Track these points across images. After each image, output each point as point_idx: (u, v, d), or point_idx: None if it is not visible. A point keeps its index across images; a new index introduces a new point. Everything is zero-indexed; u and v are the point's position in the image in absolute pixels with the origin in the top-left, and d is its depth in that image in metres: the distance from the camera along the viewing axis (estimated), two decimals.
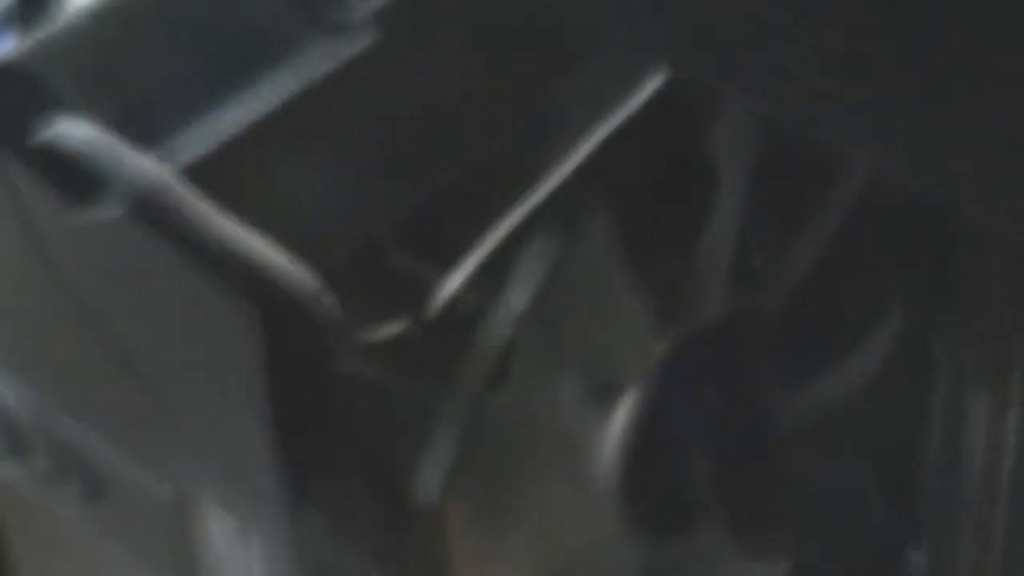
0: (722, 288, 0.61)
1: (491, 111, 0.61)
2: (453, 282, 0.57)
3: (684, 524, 0.63)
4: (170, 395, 0.61)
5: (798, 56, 0.47)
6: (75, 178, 0.59)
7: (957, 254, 0.63)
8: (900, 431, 0.68)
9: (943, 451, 0.66)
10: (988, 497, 0.66)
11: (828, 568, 0.69)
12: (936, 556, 0.68)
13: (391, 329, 0.57)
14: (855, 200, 0.62)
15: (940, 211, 0.59)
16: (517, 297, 0.57)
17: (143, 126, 0.60)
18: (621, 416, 0.60)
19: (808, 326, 0.63)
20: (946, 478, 0.66)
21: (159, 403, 0.61)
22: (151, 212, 0.58)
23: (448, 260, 0.58)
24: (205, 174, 0.59)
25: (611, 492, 0.60)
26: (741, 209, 0.61)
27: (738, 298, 0.62)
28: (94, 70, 0.62)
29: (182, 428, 0.61)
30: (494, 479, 0.59)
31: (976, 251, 0.62)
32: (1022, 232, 0.50)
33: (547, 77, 0.61)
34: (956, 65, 0.44)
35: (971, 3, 0.43)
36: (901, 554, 0.71)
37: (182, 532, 0.63)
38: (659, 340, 0.60)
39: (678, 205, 0.61)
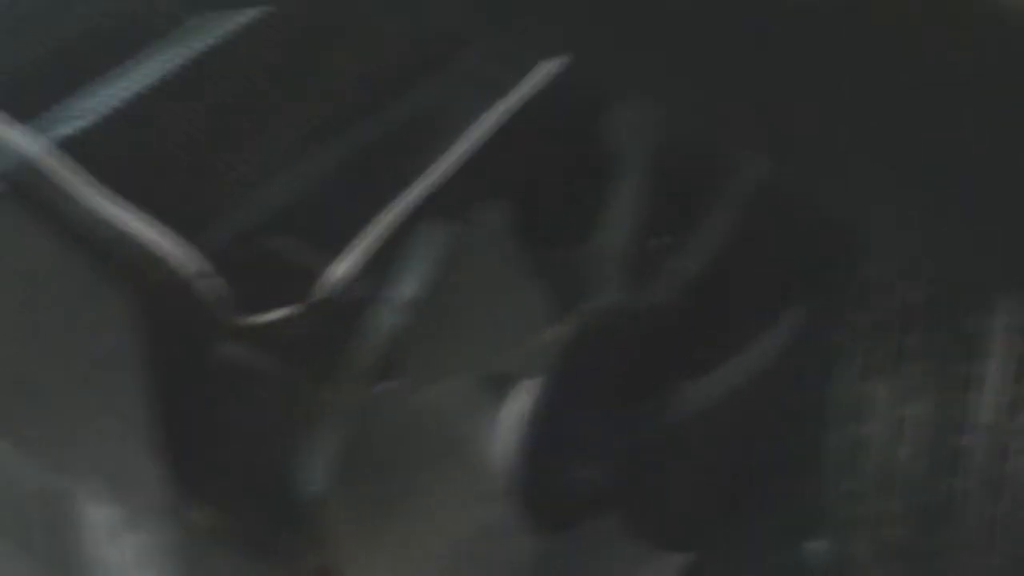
0: (619, 277, 0.63)
1: (381, 91, 0.62)
2: (341, 268, 0.59)
3: (578, 517, 0.64)
4: (46, 381, 0.61)
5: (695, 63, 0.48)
6: None
7: (860, 247, 0.64)
8: (799, 422, 0.71)
9: (842, 442, 0.68)
10: (886, 487, 0.68)
11: (727, 560, 0.71)
12: (836, 547, 0.69)
13: (277, 314, 0.58)
14: (755, 191, 0.63)
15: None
16: (407, 285, 0.58)
17: (15, 100, 0.61)
18: (514, 407, 0.61)
19: (706, 316, 0.65)
20: (847, 471, 0.68)
21: (34, 389, 0.62)
22: (24, 187, 0.58)
23: (336, 246, 0.59)
24: (81, 149, 0.59)
25: (503, 484, 0.62)
26: (639, 197, 0.62)
27: (635, 287, 0.63)
28: None
29: (58, 415, 0.61)
30: (382, 470, 0.60)
31: (878, 244, 0.64)
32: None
33: (439, 58, 0.63)
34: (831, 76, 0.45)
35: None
36: (800, 544, 0.73)
37: (56, 521, 0.64)
38: (554, 330, 0.61)
39: (575, 193, 0.63)
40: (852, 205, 0.49)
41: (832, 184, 0.47)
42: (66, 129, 0.60)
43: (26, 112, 0.60)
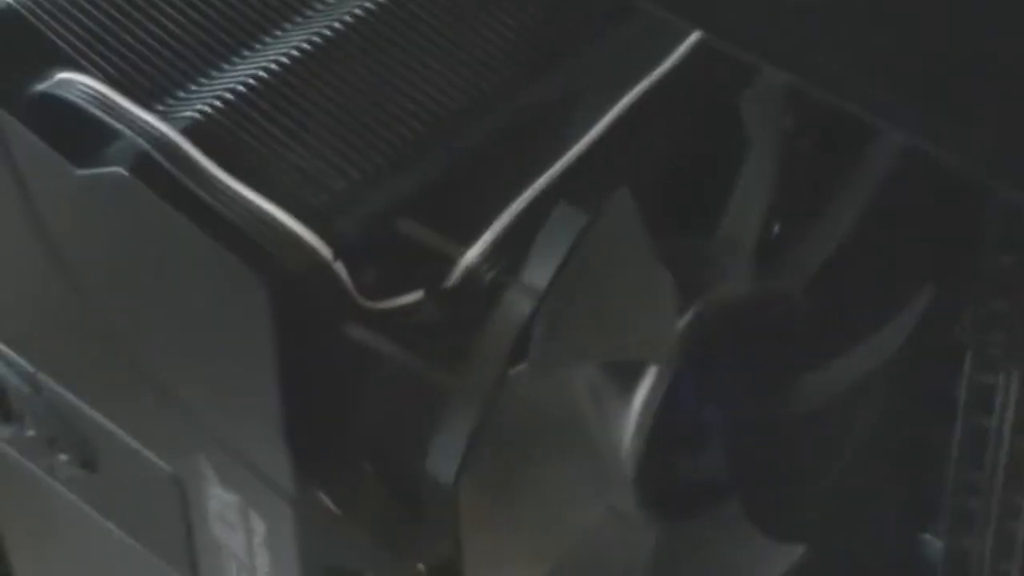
0: (747, 265, 0.63)
1: (513, 74, 0.63)
2: (472, 254, 0.59)
3: (700, 507, 0.65)
4: (171, 365, 0.62)
5: (836, 27, 0.49)
6: (75, 133, 0.61)
7: (988, 234, 0.65)
8: (919, 414, 0.72)
9: (967, 436, 0.68)
10: (1015, 483, 0.68)
11: (844, 551, 0.72)
12: (955, 541, 0.70)
13: (406, 300, 0.59)
14: (886, 177, 0.64)
15: (974, 189, 0.60)
16: (537, 271, 0.58)
17: (144, 83, 0.62)
18: (639, 396, 0.61)
19: (832, 305, 0.65)
20: (970, 463, 0.68)
21: (158, 373, 0.63)
22: (156, 171, 0.59)
23: (467, 232, 0.60)
24: (210, 134, 0.60)
25: (627, 473, 0.62)
26: (769, 183, 0.62)
27: (763, 276, 0.63)
28: (94, 22, 0.63)
29: (183, 400, 0.62)
30: (507, 458, 0.61)
31: (1009, 230, 0.64)
32: None
33: (571, 41, 0.64)
34: (1002, 42, 0.46)
35: None
36: (916, 538, 0.74)
37: (178, 509, 0.65)
38: (680, 319, 0.61)
39: (703, 177, 0.63)
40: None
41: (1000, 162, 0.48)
42: (193, 112, 0.61)
43: (151, 94, 0.62)
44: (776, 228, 0.65)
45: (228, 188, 0.59)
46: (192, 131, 0.60)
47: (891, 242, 0.67)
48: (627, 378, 0.62)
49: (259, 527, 0.63)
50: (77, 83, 0.61)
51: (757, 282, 0.64)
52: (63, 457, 0.68)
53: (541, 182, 0.60)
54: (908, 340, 0.67)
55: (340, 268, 0.58)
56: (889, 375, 0.67)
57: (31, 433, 0.68)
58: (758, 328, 0.64)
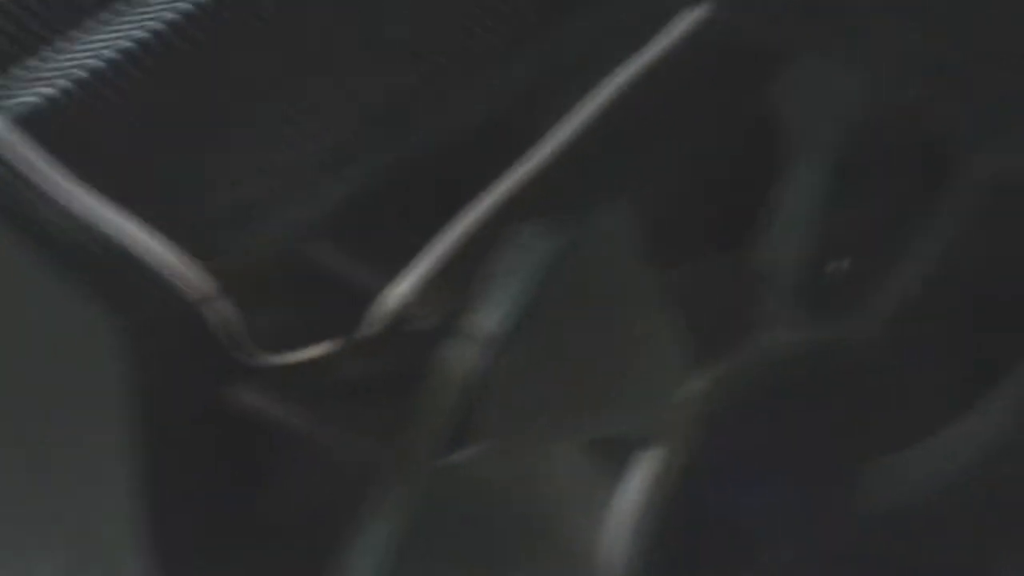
0: (789, 308, 0.62)
1: (469, 57, 0.61)
2: (401, 290, 0.58)
3: None
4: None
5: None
6: None
7: None
8: None
9: None
10: None
11: None
12: None
13: (314, 351, 0.58)
14: (981, 191, 0.63)
15: None
16: (491, 313, 0.57)
17: None
18: (638, 484, 0.60)
19: (917, 361, 0.64)
20: None
21: None
22: None
23: (395, 260, 0.59)
24: (49, 127, 0.58)
25: None
26: (819, 198, 0.61)
27: (813, 323, 0.62)
28: None
29: (18, 489, 0.61)
30: (454, 563, 0.59)
31: None
32: None
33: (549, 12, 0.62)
34: None
35: None
36: None
37: None
38: (697, 379, 0.60)
39: (729, 190, 0.62)
40: None
41: None
42: (27, 99, 0.58)
43: None
44: (840, 261, 0.64)
45: (76, 198, 0.57)
46: (24, 123, 0.57)
47: (1001, 280, 0.65)
48: (619, 461, 0.60)
49: None
50: None
51: (806, 330, 0.62)
52: None
53: (497, 193, 0.59)
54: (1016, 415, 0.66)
55: (226, 307, 0.57)
56: (990, 461, 0.65)
57: None
58: (810, 393, 0.63)
